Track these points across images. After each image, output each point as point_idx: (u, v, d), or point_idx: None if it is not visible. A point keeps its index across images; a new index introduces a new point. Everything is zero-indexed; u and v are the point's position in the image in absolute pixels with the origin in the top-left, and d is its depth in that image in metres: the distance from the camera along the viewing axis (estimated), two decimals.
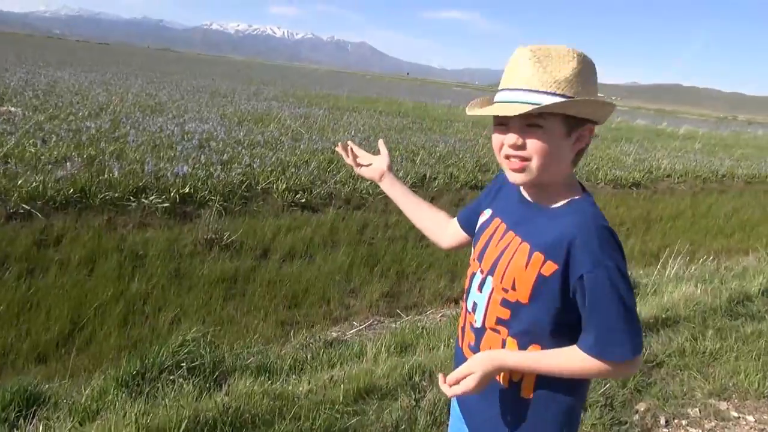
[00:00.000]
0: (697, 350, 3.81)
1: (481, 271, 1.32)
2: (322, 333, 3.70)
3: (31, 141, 7.76)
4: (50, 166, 6.66)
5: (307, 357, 3.04)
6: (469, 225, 1.52)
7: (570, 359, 1.16)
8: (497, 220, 1.35)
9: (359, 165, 1.71)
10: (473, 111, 1.26)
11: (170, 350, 2.56)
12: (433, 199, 8.32)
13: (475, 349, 1.30)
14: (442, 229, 1.63)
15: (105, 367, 3.02)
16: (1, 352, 3.28)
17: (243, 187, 7.05)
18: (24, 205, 5.49)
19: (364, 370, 2.87)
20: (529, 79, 1.13)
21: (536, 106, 1.10)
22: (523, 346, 1.22)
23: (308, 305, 4.55)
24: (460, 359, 1.37)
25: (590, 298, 1.12)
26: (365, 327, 3.99)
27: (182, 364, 2.50)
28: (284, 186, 7.28)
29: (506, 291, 1.22)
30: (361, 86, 50.88)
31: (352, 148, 1.70)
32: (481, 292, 1.30)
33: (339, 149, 1.71)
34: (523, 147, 1.16)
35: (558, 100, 1.10)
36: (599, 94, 1.20)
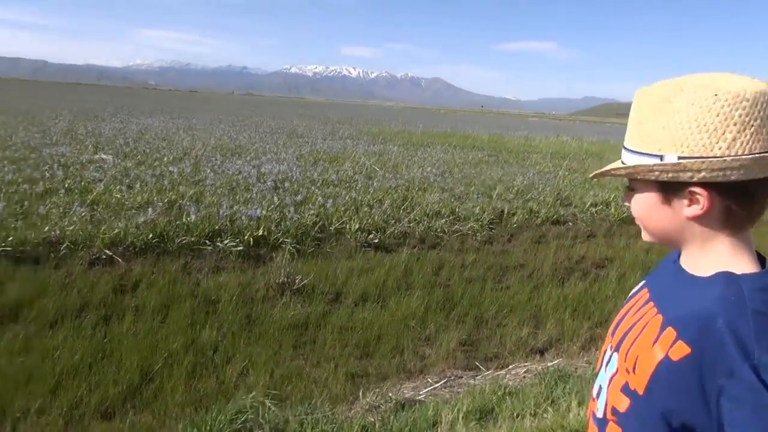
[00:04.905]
0: None
1: (611, 347, 1.07)
2: (395, 390, 3.43)
3: (117, 187, 8.11)
4: (133, 212, 6.88)
5: (376, 424, 2.77)
6: None
7: None
8: (644, 291, 1.09)
9: None
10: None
11: (227, 417, 2.39)
12: (512, 236, 7.92)
13: None
14: None
15: (167, 425, 2.89)
16: (70, 405, 3.24)
17: (316, 228, 6.99)
18: (106, 251, 5.64)
19: None
20: (627, 134, 0.99)
21: (604, 171, 1.00)
22: None
23: (380, 355, 4.29)
24: None
25: (731, 410, 0.78)
26: (441, 385, 3.67)
27: None
28: (357, 226, 7.14)
29: (628, 373, 0.95)
30: (435, 121, 51.01)
31: None
32: (606, 372, 1.06)
33: None
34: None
35: (640, 161, 0.94)
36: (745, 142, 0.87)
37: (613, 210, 9.73)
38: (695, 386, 0.82)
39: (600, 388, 1.06)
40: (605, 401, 1.02)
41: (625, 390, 0.95)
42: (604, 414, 1.01)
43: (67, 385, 3.44)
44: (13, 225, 5.89)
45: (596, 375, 1.12)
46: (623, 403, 0.95)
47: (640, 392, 0.90)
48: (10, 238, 5.45)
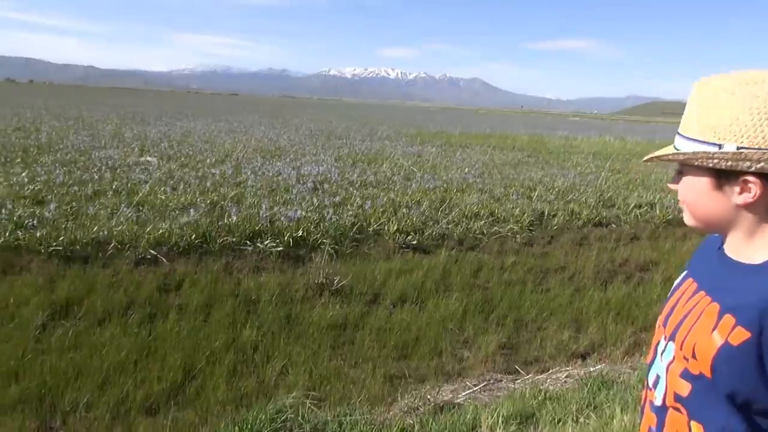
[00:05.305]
0: None
1: (665, 338, 1.12)
2: (433, 392, 3.41)
3: (162, 188, 8.33)
4: (177, 212, 7.04)
5: (414, 427, 2.76)
6: None
7: None
8: (690, 281, 1.15)
9: None
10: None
11: (268, 416, 2.41)
12: (552, 238, 7.79)
13: None
14: None
15: (209, 422, 2.95)
16: (116, 401, 3.33)
17: (354, 229, 7.02)
18: (151, 251, 5.79)
19: None
20: (684, 122, 1.03)
21: (658, 155, 1.05)
22: None
23: (419, 357, 4.28)
24: None
25: None
26: (480, 388, 3.63)
27: None
28: (395, 227, 7.14)
29: (687, 360, 1.01)
30: (474, 121, 50.65)
31: None
32: (662, 361, 1.11)
33: None
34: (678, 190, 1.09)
35: (698, 148, 0.98)
36: None
37: (658, 212, 9.46)
38: (756, 367, 0.89)
39: (657, 377, 1.10)
40: (665, 389, 1.06)
41: (685, 375, 1.00)
42: (664, 401, 1.06)
43: (113, 381, 3.54)
44: (64, 225, 6.11)
45: (650, 365, 1.16)
46: (685, 388, 1.00)
47: (707, 376, 0.95)
48: (61, 238, 5.66)
